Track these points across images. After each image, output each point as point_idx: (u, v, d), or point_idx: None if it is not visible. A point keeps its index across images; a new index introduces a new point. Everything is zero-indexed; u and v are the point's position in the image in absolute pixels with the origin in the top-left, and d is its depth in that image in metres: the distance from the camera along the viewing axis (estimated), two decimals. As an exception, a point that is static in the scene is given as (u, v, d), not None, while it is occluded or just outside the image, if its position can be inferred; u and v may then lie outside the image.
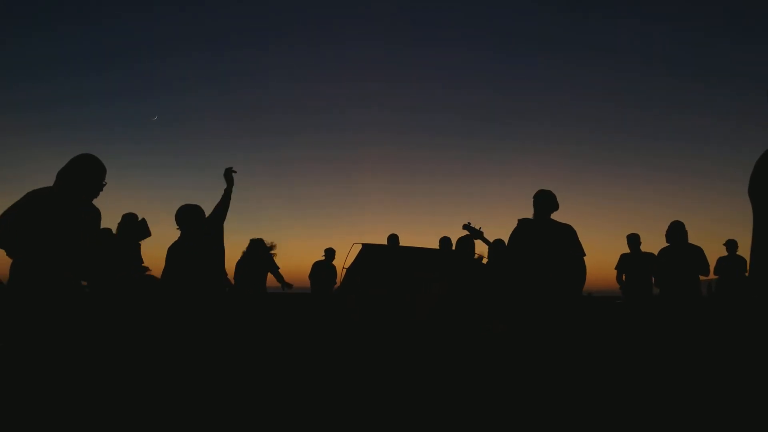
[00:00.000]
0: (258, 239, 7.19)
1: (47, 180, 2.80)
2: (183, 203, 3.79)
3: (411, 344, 6.08)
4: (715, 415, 3.07)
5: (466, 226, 5.36)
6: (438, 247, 7.08)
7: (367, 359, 5.20)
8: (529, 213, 4.15)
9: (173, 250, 3.71)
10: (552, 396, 3.41)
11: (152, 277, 5.09)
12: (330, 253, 8.78)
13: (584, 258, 4.01)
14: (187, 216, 3.73)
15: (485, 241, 5.37)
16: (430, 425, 2.82)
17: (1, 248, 2.65)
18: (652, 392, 3.69)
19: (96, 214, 2.94)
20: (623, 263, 6.55)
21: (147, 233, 5.16)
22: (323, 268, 8.67)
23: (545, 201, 4.01)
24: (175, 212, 3.75)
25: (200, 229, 3.71)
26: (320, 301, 8.69)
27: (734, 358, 5.36)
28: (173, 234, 3.79)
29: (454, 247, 7.03)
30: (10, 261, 2.68)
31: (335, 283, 8.76)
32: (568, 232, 3.99)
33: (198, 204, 3.83)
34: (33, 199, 2.68)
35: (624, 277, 6.57)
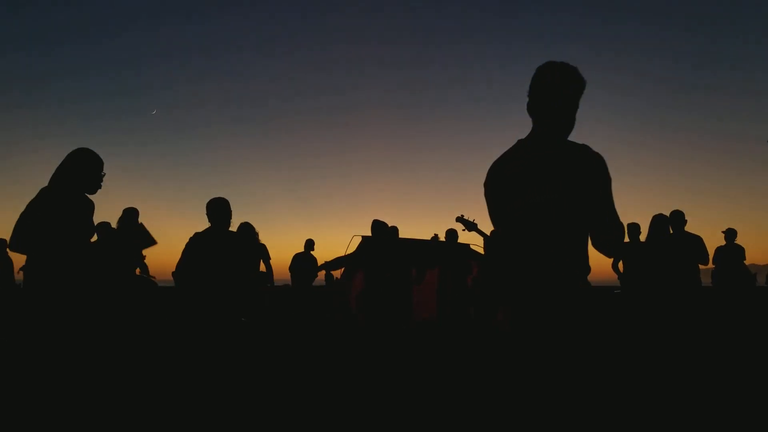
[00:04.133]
0: (247, 222, 6.50)
1: (46, 174, 2.81)
2: (182, 196, 3.86)
3: (411, 341, 6.11)
4: (717, 411, 3.10)
5: (460, 219, 5.35)
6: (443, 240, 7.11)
7: (367, 357, 5.23)
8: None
9: (199, 239, 3.80)
10: (552, 392, 3.44)
11: (149, 279, 5.08)
12: (309, 244, 8.76)
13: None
14: (216, 209, 3.82)
15: (480, 233, 5.36)
16: (430, 425, 2.85)
17: (24, 252, 2.67)
18: (652, 386, 3.72)
19: (91, 207, 2.95)
20: (622, 251, 6.56)
21: (151, 240, 5.10)
22: (303, 259, 8.65)
23: None
24: (173, 206, 3.82)
25: (227, 223, 3.84)
26: (301, 293, 8.70)
27: (735, 349, 5.39)
28: (173, 230, 3.86)
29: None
30: (18, 262, 2.69)
31: (315, 274, 8.80)
32: (619, 225, 4.02)
33: (224, 197, 3.97)
34: (46, 197, 2.69)
35: (621, 266, 6.59)
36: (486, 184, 1.90)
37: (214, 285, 3.75)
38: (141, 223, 5.15)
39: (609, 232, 1.71)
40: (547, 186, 1.68)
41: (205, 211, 3.88)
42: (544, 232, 1.68)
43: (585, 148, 1.72)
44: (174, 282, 5.59)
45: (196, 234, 3.85)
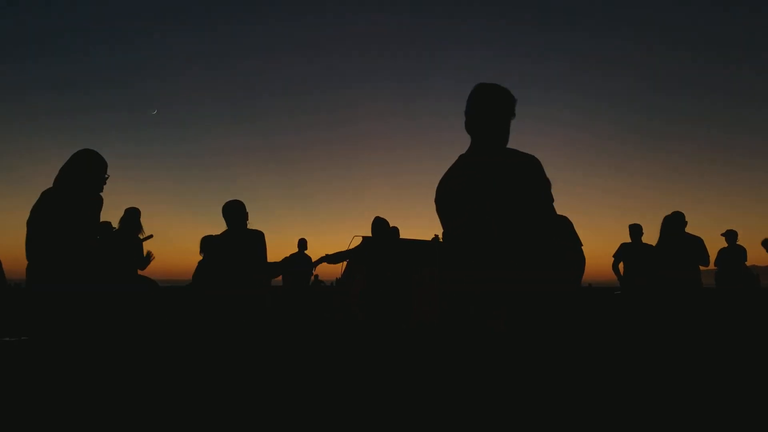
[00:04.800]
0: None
1: (46, 172, 2.82)
2: (184, 195, 3.94)
3: (411, 341, 6.11)
4: (716, 412, 3.09)
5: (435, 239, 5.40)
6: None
7: (367, 357, 5.23)
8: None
9: (219, 241, 3.88)
10: (550, 393, 3.44)
11: (150, 279, 5.11)
12: (302, 243, 8.77)
13: (582, 248, 4.05)
14: (232, 211, 3.89)
15: None
16: (430, 425, 2.85)
17: (40, 259, 2.66)
18: (652, 388, 3.72)
19: (98, 204, 2.94)
20: (622, 252, 6.57)
21: (142, 233, 5.20)
22: (298, 258, 8.59)
23: None
24: (174, 204, 3.90)
25: (244, 225, 3.91)
26: (297, 293, 8.66)
27: (735, 350, 5.39)
28: (173, 229, 3.92)
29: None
30: (16, 260, 2.69)
31: (311, 273, 8.73)
32: (563, 224, 4.04)
33: (239, 199, 4.06)
34: (50, 199, 2.70)
35: (622, 266, 6.60)
36: (435, 201, 2.01)
37: (236, 284, 3.84)
38: (140, 238, 5.24)
39: (552, 233, 1.84)
40: (487, 204, 1.79)
41: (201, 211, 3.96)
42: (483, 249, 1.78)
43: (521, 156, 1.88)
44: (192, 282, 5.65)
45: (211, 236, 3.94)
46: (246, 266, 3.89)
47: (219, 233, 4.08)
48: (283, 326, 7.88)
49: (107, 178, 2.89)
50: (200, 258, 5.26)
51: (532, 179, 1.81)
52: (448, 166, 2.00)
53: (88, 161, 2.81)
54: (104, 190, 2.91)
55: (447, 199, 1.93)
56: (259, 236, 4.05)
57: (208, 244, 5.03)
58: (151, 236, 5.29)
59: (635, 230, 6.53)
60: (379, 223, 5.81)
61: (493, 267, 1.77)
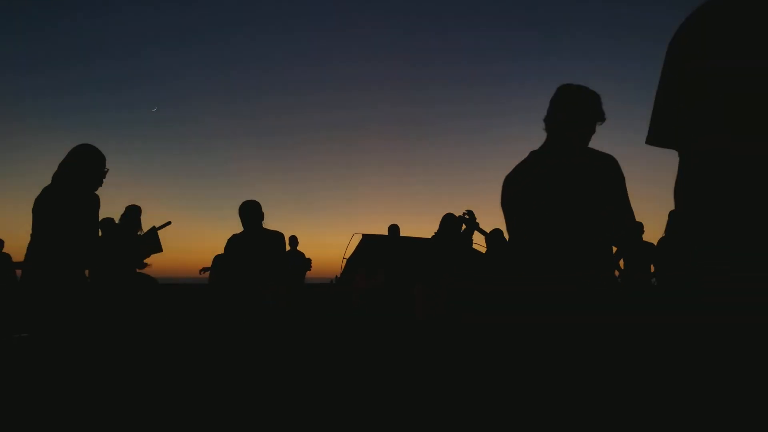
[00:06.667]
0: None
1: (45, 170, 2.83)
2: (184, 192, 3.98)
3: (413, 340, 6.12)
4: (716, 412, 3.09)
5: (462, 217, 5.37)
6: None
7: (368, 355, 5.23)
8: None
9: (235, 242, 3.97)
10: (550, 393, 3.44)
11: (149, 276, 5.10)
12: (293, 240, 8.78)
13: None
14: (248, 211, 3.92)
15: (481, 231, 5.40)
16: (431, 425, 2.85)
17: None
18: (650, 388, 3.72)
19: (97, 203, 2.95)
20: (622, 251, 6.56)
21: (158, 248, 5.11)
22: (292, 255, 8.59)
23: None
24: (175, 203, 3.93)
25: (259, 225, 3.97)
26: (295, 289, 8.68)
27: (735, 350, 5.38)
28: (173, 229, 3.96)
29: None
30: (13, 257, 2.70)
31: (307, 269, 8.74)
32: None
33: (256, 199, 4.10)
34: (51, 196, 2.71)
35: (622, 264, 6.59)
36: (501, 197, 2.00)
37: (253, 282, 3.90)
38: (154, 227, 5.14)
39: (619, 230, 1.84)
40: (553, 202, 1.80)
41: (200, 210, 3.99)
42: (547, 244, 1.80)
43: (600, 156, 1.84)
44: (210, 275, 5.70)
45: (236, 235, 4.03)
46: (258, 265, 3.93)
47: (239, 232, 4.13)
48: (283, 324, 7.88)
49: (107, 171, 2.89)
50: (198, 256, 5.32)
51: (607, 177, 1.80)
52: (447, 166, 2.01)
53: (87, 156, 2.81)
54: (103, 185, 2.91)
55: (513, 197, 1.92)
56: (277, 237, 4.05)
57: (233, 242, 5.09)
58: (169, 223, 5.17)
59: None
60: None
61: (553, 259, 1.79)
